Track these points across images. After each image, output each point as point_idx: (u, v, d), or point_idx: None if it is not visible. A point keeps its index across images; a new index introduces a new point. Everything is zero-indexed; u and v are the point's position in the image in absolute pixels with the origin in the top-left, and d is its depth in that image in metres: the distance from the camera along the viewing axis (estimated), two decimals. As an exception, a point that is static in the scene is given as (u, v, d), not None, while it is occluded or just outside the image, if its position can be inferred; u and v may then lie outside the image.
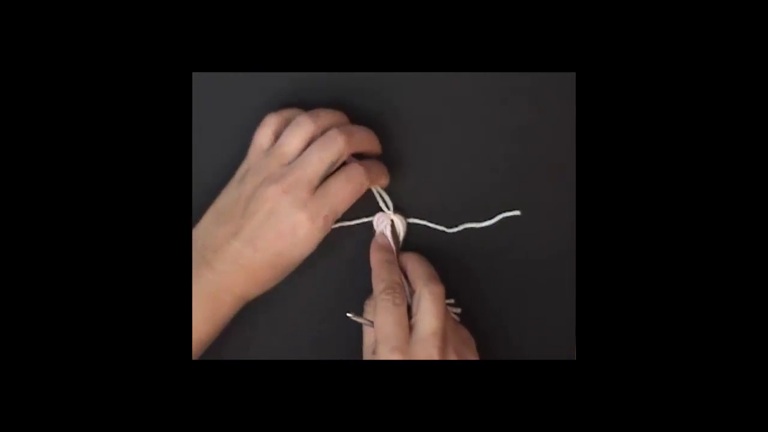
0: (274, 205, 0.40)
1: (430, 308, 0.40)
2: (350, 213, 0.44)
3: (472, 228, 0.47)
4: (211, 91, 0.46)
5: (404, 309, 0.41)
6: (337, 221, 0.44)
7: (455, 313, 0.46)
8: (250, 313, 0.45)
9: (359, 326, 0.47)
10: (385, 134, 0.47)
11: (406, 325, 0.40)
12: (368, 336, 0.43)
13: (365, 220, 0.47)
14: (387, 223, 0.47)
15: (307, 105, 0.47)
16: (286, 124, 0.43)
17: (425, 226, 0.47)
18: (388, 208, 0.47)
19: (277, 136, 0.43)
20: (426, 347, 0.39)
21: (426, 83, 0.47)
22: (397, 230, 0.47)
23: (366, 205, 0.46)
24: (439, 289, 0.41)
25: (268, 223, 0.41)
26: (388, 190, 0.47)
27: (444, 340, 0.40)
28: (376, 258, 0.44)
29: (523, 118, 0.47)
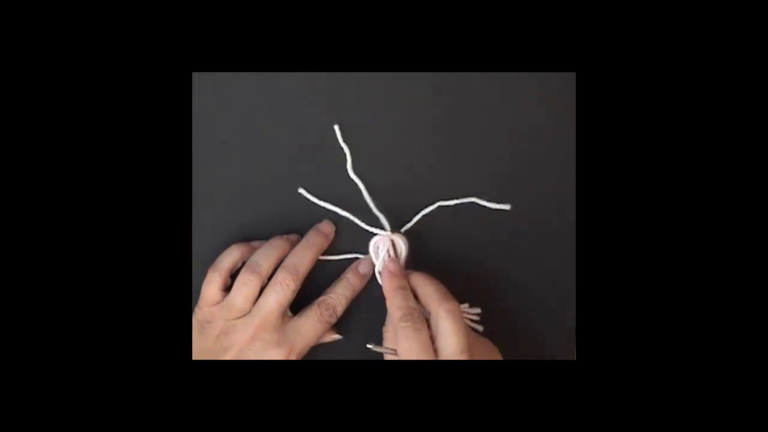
0: (246, 352, 0.43)
1: (450, 328, 0.40)
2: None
3: (470, 228, 0.47)
4: (211, 91, 0.46)
5: (426, 333, 0.41)
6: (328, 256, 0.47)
7: (476, 314, 0.46)
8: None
9: (359, 326, 0.47)
10: (384, 134, 0.47)
11: (431, 348, 0.40)
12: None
13: (356, 256, 0.48)
14: (388, 245, 0.46)
15: (307, 105, 0.47)
16: (231, 273, 0.45)
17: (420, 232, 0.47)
18: (384, 229, 0.46)
19: (225, 286, 0.45)
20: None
21: (426, 83, 0.47)
22: (399, 249, 0.46)
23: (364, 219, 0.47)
24: (454, 306, 0.41)
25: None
26: (380, 192, 0.47)
27: (471, 356, 0.40)
28: (388, 285, 0.44)
29: (523, 118, 0.47)
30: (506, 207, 0.47)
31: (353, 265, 0.47)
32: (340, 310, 0.46)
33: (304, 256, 0.45)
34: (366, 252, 0.47)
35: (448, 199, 0.47)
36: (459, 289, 0.47)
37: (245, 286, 0.44)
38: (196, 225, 0.46)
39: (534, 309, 0.49)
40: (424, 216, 0.47)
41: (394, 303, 0.43)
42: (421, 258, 0.47)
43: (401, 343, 0.41)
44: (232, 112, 0.47)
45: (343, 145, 0.47)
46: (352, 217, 0.46)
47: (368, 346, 0.44)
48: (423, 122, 0.47)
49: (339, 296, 0.46)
